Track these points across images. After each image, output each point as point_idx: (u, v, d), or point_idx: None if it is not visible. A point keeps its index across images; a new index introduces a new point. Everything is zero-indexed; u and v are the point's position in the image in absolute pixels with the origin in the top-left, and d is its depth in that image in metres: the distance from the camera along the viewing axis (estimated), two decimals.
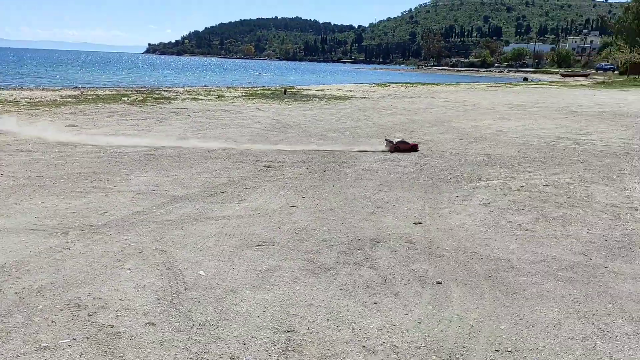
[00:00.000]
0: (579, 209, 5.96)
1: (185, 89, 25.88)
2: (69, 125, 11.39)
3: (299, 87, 30.32)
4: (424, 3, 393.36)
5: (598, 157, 9.38)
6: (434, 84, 39.63)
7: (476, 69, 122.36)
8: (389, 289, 3.78)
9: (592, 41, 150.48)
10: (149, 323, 3.17)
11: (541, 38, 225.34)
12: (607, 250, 4.67)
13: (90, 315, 3.24)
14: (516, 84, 42.37)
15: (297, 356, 2.88)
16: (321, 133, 11.62)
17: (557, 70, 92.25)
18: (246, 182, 6.84)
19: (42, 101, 16.31)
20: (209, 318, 3.25)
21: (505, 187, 6.94)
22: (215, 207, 5.68)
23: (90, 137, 9.67)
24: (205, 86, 30.49)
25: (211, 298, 3.52)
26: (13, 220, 4.99)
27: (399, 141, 9.50)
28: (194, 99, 19.43)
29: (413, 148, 9.47)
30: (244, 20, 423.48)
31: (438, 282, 3.90)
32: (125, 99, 18.28)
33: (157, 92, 22.13)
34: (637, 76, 50.30)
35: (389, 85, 33.60)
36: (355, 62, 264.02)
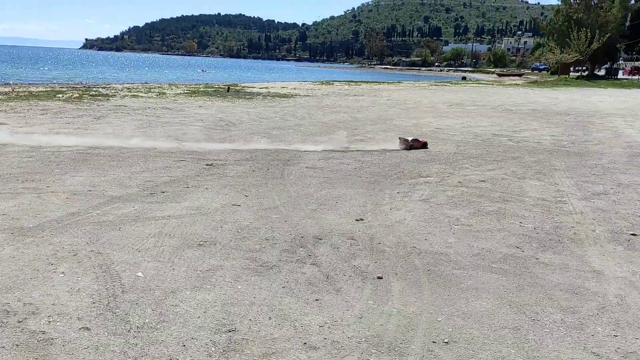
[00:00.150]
0: (513, 204, 6.21)
1: (125, 85, 25.11)
2: None
3: (242, 84, 30.04)
4: (366, 2, 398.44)
5: (531, 153, 9.80)
6: (376, 82, 40.21)
7: (417, 68, 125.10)
8: (331, 285, 3.82)
9: (525, 42, 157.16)
10: (83, 328, 3.07)
11: (478, 39, 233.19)
12: (538, 243, 4.89)
13: (20, 322, 3.10)
14: (455, 83, 43.63)
15: (238, 356, 2.87)
16: (265, 131, 11.56)
17: (493, 69, 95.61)
18: (187, 181, 6.72)
19: None
20: (147, 320, 3.18)
21: (444, 183, 7.14)
22: (155, 207, 5.55)
23: (22, 136, 9.23)
24: (146, 83, 29.70)
25: (150, 300, 3.44)
26: None
27: (413, 139, 10.02)
28: (134, 96, 18.90)
29: (424, 145, 10.02)
30: (186, 16, 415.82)
31: (379, 277, 3.97)
32: (61, 96, 17.54)
33: (94, 89, 21.37)
34: (567, 76, 52.89)
35: (333, 84, 33.83)
36: (299, 60, 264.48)
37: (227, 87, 25.32)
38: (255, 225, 5.07)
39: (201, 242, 4.54)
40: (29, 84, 25.66)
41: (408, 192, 6.57)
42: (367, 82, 40.43)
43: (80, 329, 3.05)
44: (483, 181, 7.35)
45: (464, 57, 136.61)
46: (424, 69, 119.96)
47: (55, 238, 4.47)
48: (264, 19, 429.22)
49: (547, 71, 73.10)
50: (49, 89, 20.99)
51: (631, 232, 5.24)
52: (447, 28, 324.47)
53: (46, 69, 52.51)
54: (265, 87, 27.05)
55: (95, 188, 6.16)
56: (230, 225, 5.04)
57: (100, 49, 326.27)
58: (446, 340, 3.11)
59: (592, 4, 49.41)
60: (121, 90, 21.48)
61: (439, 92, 28.18)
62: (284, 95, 22.40)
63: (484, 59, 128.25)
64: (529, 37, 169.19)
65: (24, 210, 5.22)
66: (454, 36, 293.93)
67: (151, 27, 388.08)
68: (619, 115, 17.70)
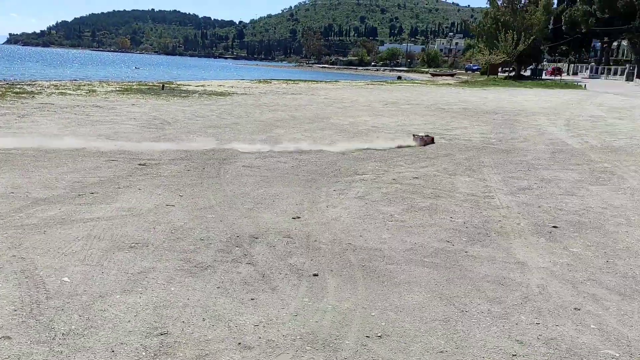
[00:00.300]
0: (444, 199, 6.41)
1: (52, 82, 23.95)
2: None
3: (178, 82, 29.35)
4: (303, 2, 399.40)
5: (461, 150, 10.15)
6: (314, 81, 40.39)
7: (354, 67, 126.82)
8: (267, 284, 3.81)
9: (457, 43, 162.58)
10: (4, 337, 2.91)
11: (412, 39, 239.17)
12: (467, 236, 5.08)
13: None
14: (391, 82, 44.50)
15: (170, 359, 2.81)
16: (201, 129, 11.36)
17: (427, 69, 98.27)
18: (119, 182, 6.51)
19: None
20: (73, 327, 3.06)
21: (379, 181, 7.28)
22: (83, 208, 5.33)
23: None
24: (75, 80, 28.45)
25: (76, 305, 3.31)
26: None
27: (425, 135, 10.85)
28: (62, 93, 18.07)
29: (432, 140, 10.76)
30: (118, 11, 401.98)
31: (314, 275, 4.00)
32: None
33: (18, 86, 20.25)
34: (496, 76, 55.10)
35: (271, 82, 33.68)
36: (237, 58, 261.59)
37: (161, 84, 24.67)
38: (189, 226, 4.97)
39: (132, 244, 4.41)
40: None
41: (344, 190, 6.65)
42: (305, 80, 40.53)
43: (0, 338, 2.89)
44: (416, 178, 7.54)
45: (399, 57, 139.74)
46: (360, 68, 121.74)
47: None
48: (200, 16, 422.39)
49: (480, 71, 75.89)
50: None
51: (553, 225, 5.53)
52: (382, 28, 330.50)
53: None
54: (202, 85, 26.56)
55: (18, 190, 5.85)
56: (163, 226, 4.92)
57: (26, 44, 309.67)
58: (379, 334, 3.18)
59: (518, 7, 51.67)
60: (48, 87, 20.47)
61: (375, 91, 28.66)
62: (221, 94, 22.09)
63: (418, 59, 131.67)
64: (460, 38, 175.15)
65: None
66: (390, 36, 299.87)
67: (81, 22, 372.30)
68: (542, 114, 18.63)
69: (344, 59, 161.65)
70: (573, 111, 20.20)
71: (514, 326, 3.36)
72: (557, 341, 3.20)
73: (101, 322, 3.13)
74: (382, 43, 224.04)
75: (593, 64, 71.54)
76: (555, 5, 60.88)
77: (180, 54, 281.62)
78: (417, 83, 45.43)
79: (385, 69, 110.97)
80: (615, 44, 71.75)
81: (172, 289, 3.64)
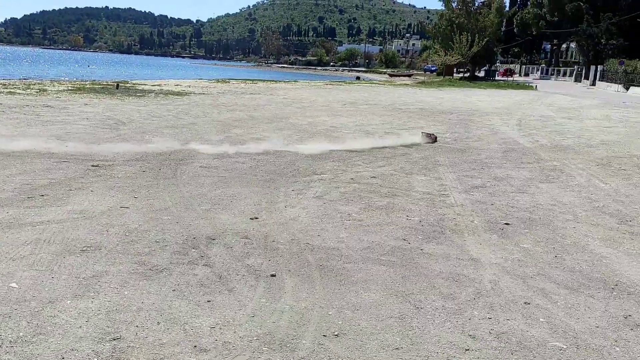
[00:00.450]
0: (401, 198, 6.51)
1: (0, 81, 23.07)
2: None
3: (133, 81, 28.72)
4: (262, 1, 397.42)
5: (417, 150, 10.32)
6: (273, 81, 40.26)
7: (313, 67, 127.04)
8: (224, 285, 3.78)
9: (414, 44, 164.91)
10: None
11: (370, 40, 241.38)
12: (423, 234, 5.17)
13: None
14: (349, 83, 44.80)
15: None
16: (157, 130, 11.16)
17: (385, 70, 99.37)
18: (70, 184, 6.33)
19: None
20: (21, 334, 2.96)
21: (337, 180, 7.32)
22: (32, 211, 5.16)
23: None
24: (24, 79, 27.48)
25: (25, 312, 3.20)
26: None
27: (430, 133, 11.52)
28: (10, 92, 17.42)
29: (436, 139, 11.28)
30: (70, 8, 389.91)
31: (272, 275, 3.99)
32: None
33: None
34: (451, 77, 56.19)
35: (229, 82, 33.38)
36: (195, 57, 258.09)
37: (116, 84, 24.10)
38: (144, 228, 4.88)
39: (84, 248, 4.30)
40: None
41: (302, 190, 6.66)
42: (264, 80, 40.35)
43: None
44: (374, 177, 7.62)
45: (358, 57, 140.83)
46: (319, 68, 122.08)
47: None
48: (156, 14, 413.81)
49: (436, 72, 77.26)
50: None
51: (505, 222, 5.70)
52: (341, 29, 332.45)
53: None
54: (158, 85, 26.08)
55: None
56: (117, 229, 4.81)
57: None
58: (336, 333, 3.20)
59: (472, 10, 52.87)
60: None
61: (333, 91, 28.79)
62: (178, 93, 21.74)
63: (376, 60, 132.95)
64: (416, 39, 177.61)
65: None
66: (348, 37, 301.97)
67: (31, 19, 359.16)
68: (496, 114, 19.13)
69: (303, 59, 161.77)
70: (524, 111, 20.83)
71: (467, 321, 3.44)
72: (507, 335, 3.30)
73: (51, 328, 3.04)
74: (341, 43, 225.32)
75: (543, 65, 74.05)
76: (507, 8, 62.57)
77: (136, 53, 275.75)
78: (375, 83, 45.89)
79: (344, 69, 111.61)
80: (564, 46, 74.37)
81: (126, 292, 3.56)
